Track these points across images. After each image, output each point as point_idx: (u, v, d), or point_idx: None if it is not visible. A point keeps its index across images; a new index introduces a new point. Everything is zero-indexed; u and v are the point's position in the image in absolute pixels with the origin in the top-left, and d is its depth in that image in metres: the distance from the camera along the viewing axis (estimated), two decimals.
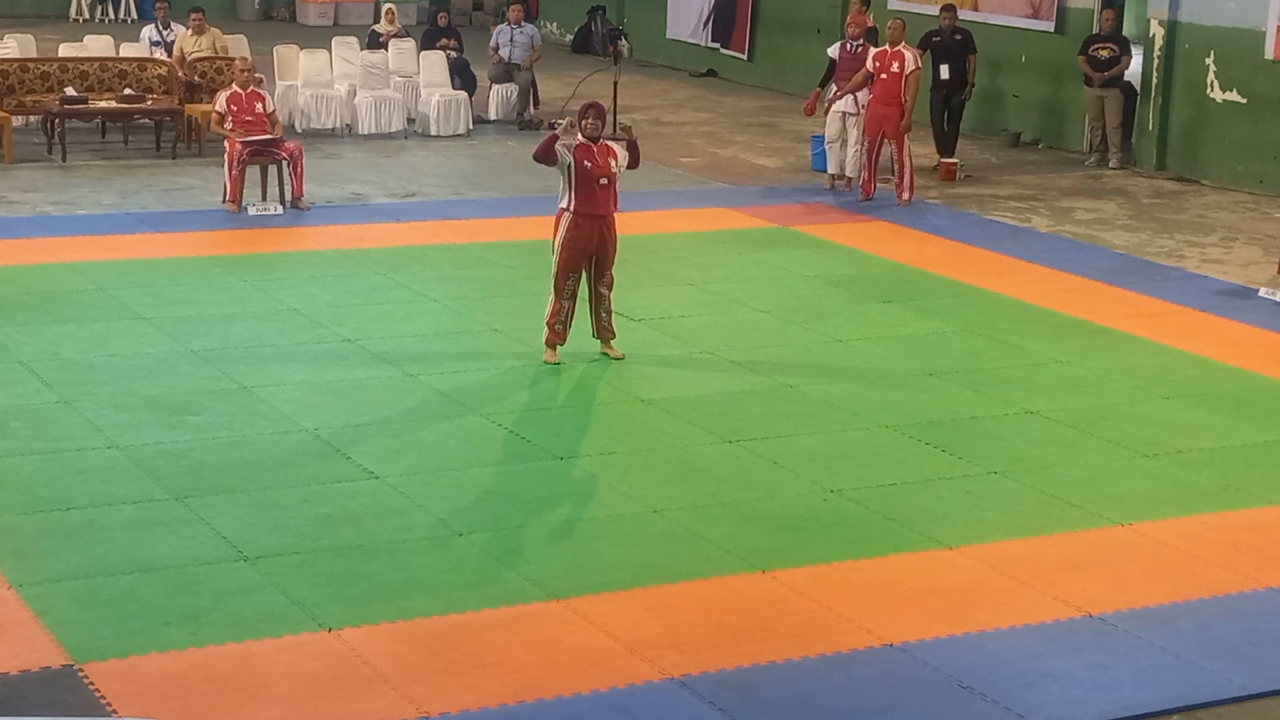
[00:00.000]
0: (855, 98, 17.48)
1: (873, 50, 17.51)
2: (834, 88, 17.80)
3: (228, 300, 12.99)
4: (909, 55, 17.16)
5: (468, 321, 12.67)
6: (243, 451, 9.85)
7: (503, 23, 22.18)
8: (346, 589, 8.13)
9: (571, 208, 11.47)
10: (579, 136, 11.54)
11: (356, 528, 8.84)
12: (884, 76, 17.14)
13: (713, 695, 7.23)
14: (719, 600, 8.17)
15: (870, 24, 19.91)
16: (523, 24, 21.91)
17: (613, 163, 11.57)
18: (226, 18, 29.08)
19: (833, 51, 17.92)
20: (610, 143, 11.71)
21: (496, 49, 21.79)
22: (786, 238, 15.68)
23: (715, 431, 10.51)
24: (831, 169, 17.89)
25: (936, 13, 19.79)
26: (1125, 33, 19.85)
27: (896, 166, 17.45)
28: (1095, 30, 20.06)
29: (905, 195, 17.30)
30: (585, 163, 11.41)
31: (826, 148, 17.92)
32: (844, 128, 17.70)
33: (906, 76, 17.03)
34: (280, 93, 20.07)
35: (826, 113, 17.75)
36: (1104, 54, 19.40)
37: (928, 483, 9.75)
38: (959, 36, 19.28)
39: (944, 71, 19.25)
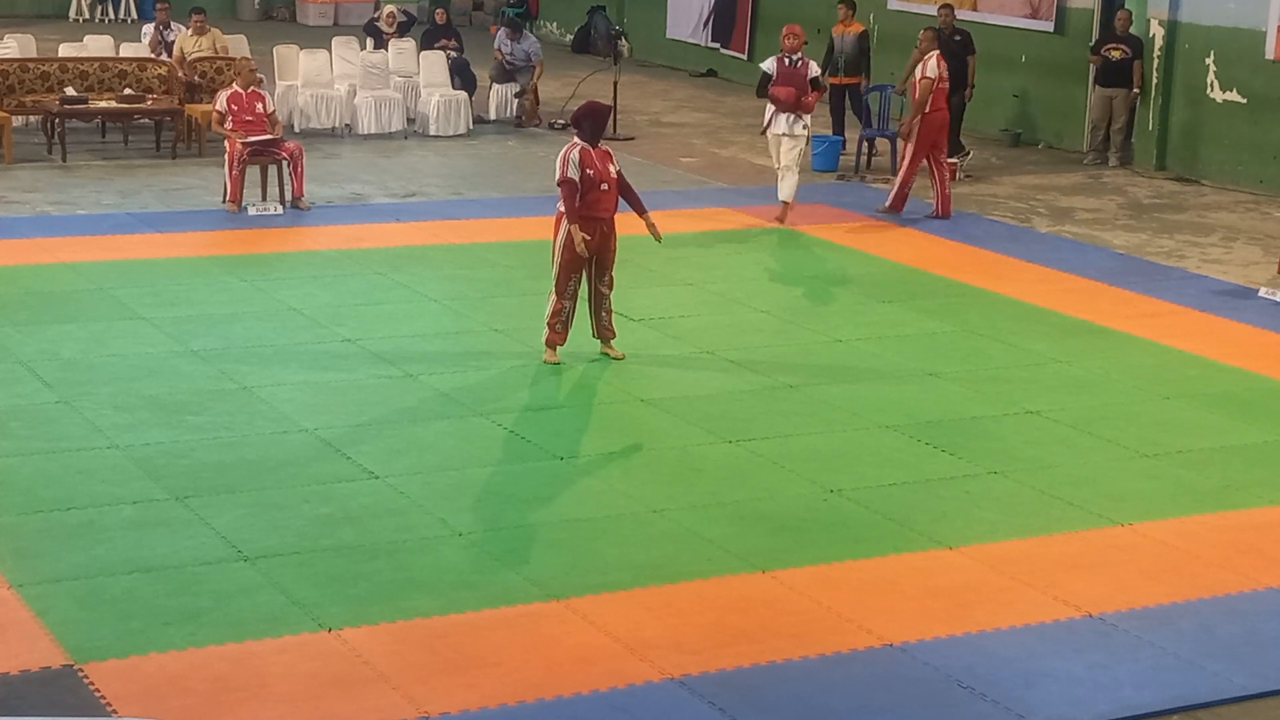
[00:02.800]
0: (790, 119, 15.93)
1: (933, 60, 16.72)
2: (772, 112, 16.07)
3: (228, 300, 12.99)
4: (931, 63, 16.69)
5: (468, 321, 12.67)
6: (243, 451, 9.85)
7: (502, 33, 22.22)
8: (346, 589, 8.13)
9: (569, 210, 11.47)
10: (579, 140, 11.53)
11: (356, 528, 8.84)
12: (941, 85, 16.67)
13: (713, 695, 7.23)
14: (719, 600, 8.17)
15: (859, 28, 19.90)
16: (522, 36, 21.94)
17: (611, 167, 11.56)
18: (226, 18, 29.08)
19: (768, 65, 16.07)
20: (605, 146, 11.71)
21: (499, 49, 21.87)
22: (786, 238, 15.68)
23: (715, 431, 10.51)
24: (785, 195, 16.13)
25: (935, 12, 19.82)
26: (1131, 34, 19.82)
27: (908, 172, 16.79)
28: (1097, 32, 20.05)
29: (889, 205, 16.85)
30: (588, 169, 11.41)
31: (782, 173, 16.14)
32: (792, 147, 16.03)
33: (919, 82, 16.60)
34: (280, 93, 20.07)
35: (764, 133, 16.26)
36: (1116, 54, 19.38)
37: (928, 483, 9.75)
38: (958, 37, 19.28)
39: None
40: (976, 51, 19.44)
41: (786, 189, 16.03)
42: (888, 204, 16.86)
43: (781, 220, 16.03)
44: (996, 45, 21.09)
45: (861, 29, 19.82)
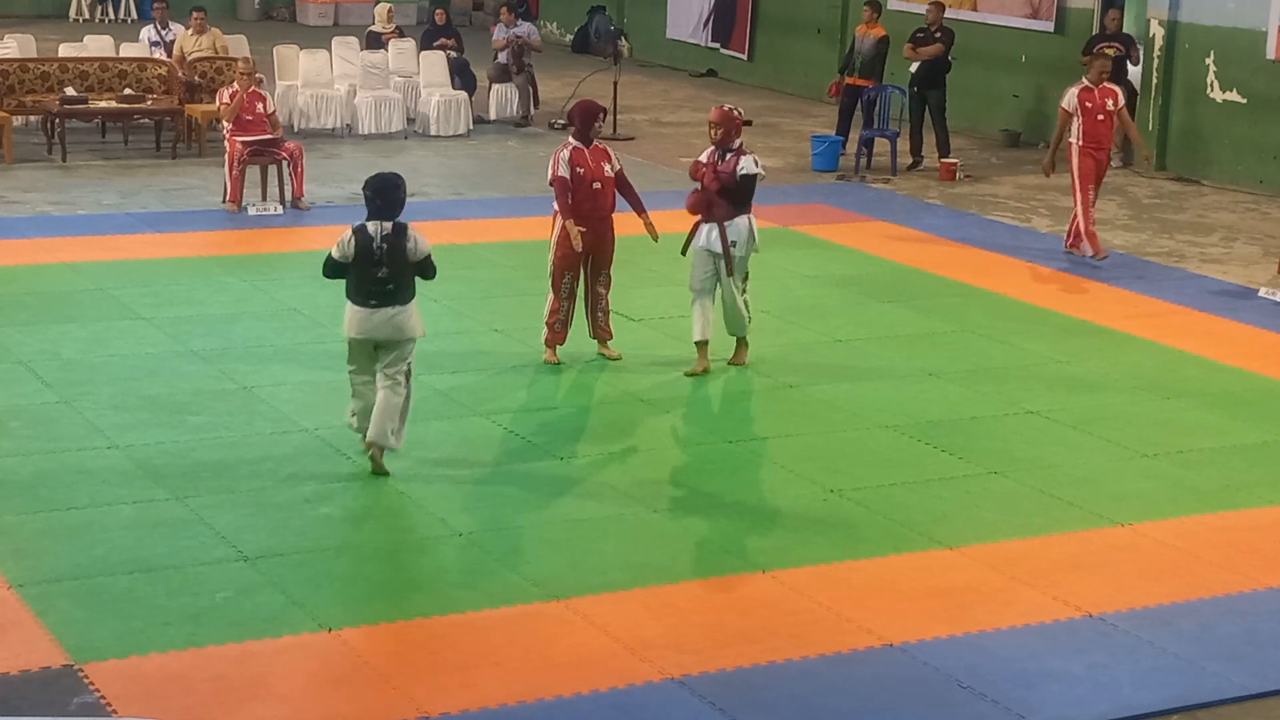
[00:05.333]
0: (710, 231, 11.43)
1: (1074, 89, 15.30)
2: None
3: (228, 300, 12.99)
4: (1118, 90, 15.57)
5: (468, 321, 12.67)
6: (243, 451, 9.85)
7: (499, 23, 22.27)
8: (346, 589, 8.14)
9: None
10: (573, 140, 11.54)
11: (356, 528, 8.84)
12: (1100, 117, 15.16)
13: (713, 695, 7.23)
14: (719, 600, 8.17)
15: (880, 33, 19.82)
16: (517, 24, 22.00)
17: (606, 166, 11.55)
18: (226, 18, 29.08)
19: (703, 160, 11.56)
20: (604, 145, 11.71)
21: (498, 38, 21.94)
22: (786, 238, 15.67)
23: (715, 431, 10.51)
24: (698, 334, 11.58)
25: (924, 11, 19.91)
26: (1124, 32, 19.85)
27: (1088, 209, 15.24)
28: (1096, 30, 20.06)
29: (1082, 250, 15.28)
30: (578, 168, 11.40)
31: (693, 305, 11.61)
32: (714, 272, 11.49)
33: (1120, 111, 15.34)
34: (280, 93, 20.06)
35: (685, 249, 11.66)
36: (1110, 52, 19.41)
37: (928, 483, 9.75)
38: (939, 34, 19.33)
39: (913, 66, 19.31)
40: (952, 45, 19.39)
41: (735, 322, 11.68)
42: (1077, 248, 15.28)
43: (743, 357, 11.84)
44: (996, 45, 21.09)
45: (883, 34, 19.70)
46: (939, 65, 19.31)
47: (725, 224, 11.35)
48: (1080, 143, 15.18)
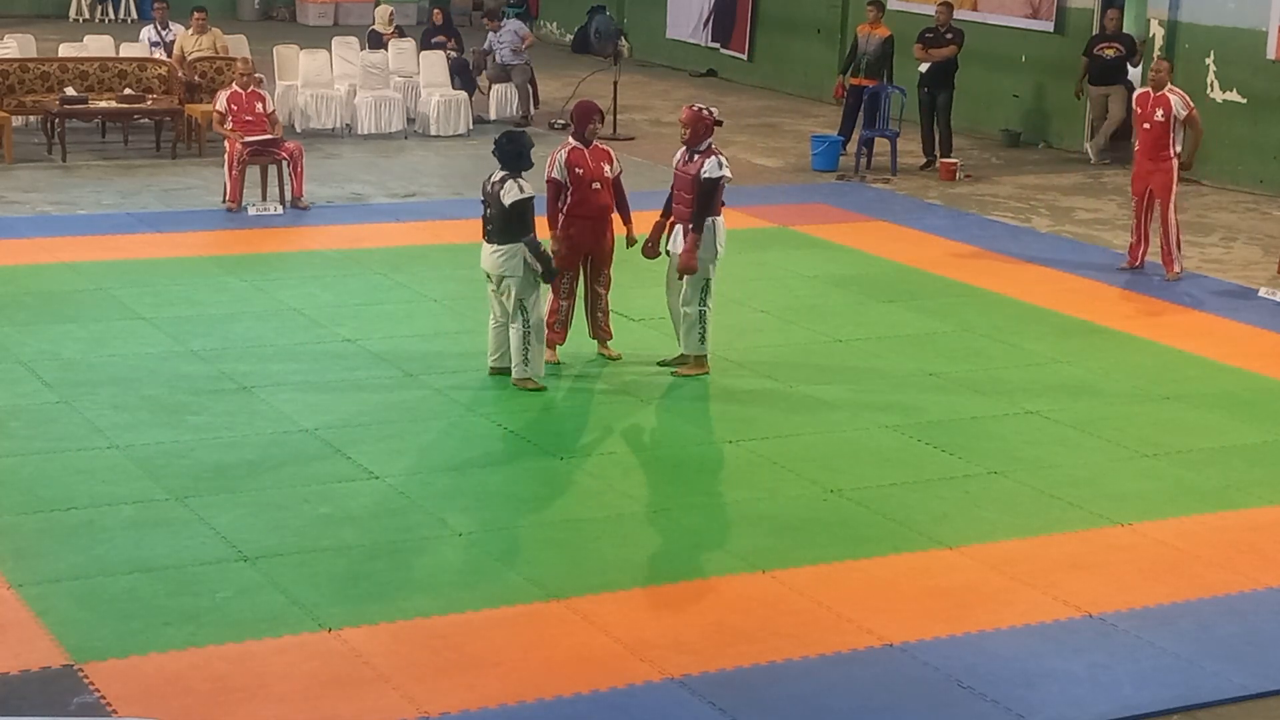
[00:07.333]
0: (672, 235, 11.50)
1: (1136, 92, 14.91)
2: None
3: (228, 300, 12.99)
4: (1175, 99, 14.35)
5: (468, 321, 12.67)
6: (243, 451, 9.85)
7: (489, 31, 22.32)
8: (346, 589, 8.14)
9: (565, 209, 11.49)
10: (572, 140, 11.55)
11: (356, 528, 8.84)
12: (1146, 126, 14.48)
13: (713, 695, 7.24)
14: (719, 600, 8.17)
15: (885, 33, 19.83)
16: (502, 24, 22.02)
17: (606, 166, 11.56)
18: (226, 18, 29.07)
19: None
20: (605, 146, 11.72)
21: (490, 49, 21.97)
22: (786, 238, 15.67)
23: (715, 431, 10.52)
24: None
25: (934, 12, 19.90)
26: (1124, 32, 19.86)
27: (1162, 229, 14.61)
28: (1096, 30, 20.07)
29: (1176, 268, 14.59)
30: (577, 169, 11.42)
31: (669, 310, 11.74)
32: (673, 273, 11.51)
33: (1180, 123, 14.37)
34: (280, 93, 20.06)
35: (647, 251, 11.79)
36: (1109, 53, 19.43)
37: (928, 483, 9.75)
38: (949, 34, 19.34)
39: (922, 66, 19.32)
40: (961, 46, 19.41)
41: (680, 330, 11.58)
42: (1135, 261, 14.94)
43: (688, 370, 11.52)
44: (996, 45, 21.09)
45: (888, 34, 19.65)
46: (950, 66, 19.32)
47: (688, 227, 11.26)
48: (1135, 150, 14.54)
